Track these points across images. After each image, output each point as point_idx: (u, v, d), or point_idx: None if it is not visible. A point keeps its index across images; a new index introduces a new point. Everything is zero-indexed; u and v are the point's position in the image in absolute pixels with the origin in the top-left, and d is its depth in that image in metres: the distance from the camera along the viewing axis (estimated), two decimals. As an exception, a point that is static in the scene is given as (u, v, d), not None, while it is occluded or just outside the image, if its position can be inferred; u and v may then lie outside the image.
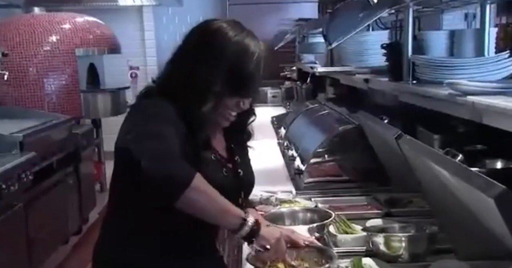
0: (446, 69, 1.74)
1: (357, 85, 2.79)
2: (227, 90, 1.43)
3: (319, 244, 1.60)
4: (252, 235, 1.38)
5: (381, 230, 1.72)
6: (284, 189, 2.43)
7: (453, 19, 2.53)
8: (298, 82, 5.41)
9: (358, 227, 1.86)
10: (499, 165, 1.56)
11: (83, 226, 4.50)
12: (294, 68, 5.79)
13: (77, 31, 4.78)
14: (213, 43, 1.45)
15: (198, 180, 1.29)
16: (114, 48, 5.04)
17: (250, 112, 1.60)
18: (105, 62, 5.03)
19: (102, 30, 5.03)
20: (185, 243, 1.51)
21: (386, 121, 2.13)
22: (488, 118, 1.34)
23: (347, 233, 1.85)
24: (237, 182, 1.56)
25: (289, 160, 2.86)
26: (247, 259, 1.52)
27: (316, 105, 3.62)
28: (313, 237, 1.62)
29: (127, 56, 5.31)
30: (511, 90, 1.44)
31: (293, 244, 1.52)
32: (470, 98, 1.42)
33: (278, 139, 3.63)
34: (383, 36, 2.75)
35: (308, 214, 1.84)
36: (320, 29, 3.11)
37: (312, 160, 2.52)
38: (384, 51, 2.25)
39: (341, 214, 1.93)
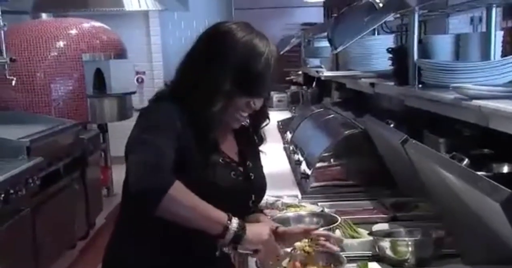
0: (452, 73, 1.73)
1: (362, 89, 2.79)
2: (236, 89, 1.44)
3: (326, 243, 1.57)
4: (237, 241, 1.37)
5: (387, 234, 1.72)
6: (290, 193, 2.43)
7: (458, 23, 2.52)
8: (303, 87, 5.41)
9: (364, 232, 1.86)
10: (505, 169, 1.54)
11: (90, 231, 4.50)
12: (300, 72, 5.79)
13: (83, 36, 4.81)
14: (223, 44, 1.47)
15: (176, 189, 1.30)
16: (120, 53, 5.06)
17: (263, 115, 1.61)
18: (112, 67, 5.04)
19: (109, 35, 5.05)
20: (191, 245, 1.51)
21: (392, 125, 2.13)
22: (494, 122, 1.33)
23: (353, 237, 1.84)
24: (248, 185, 1.56)
25: (295, 165, 2.86)
26: (256, 265, 1.52)
27: (322, 109, 3.62)
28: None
29: (134, 61, 5.32)
30: (517, 94, 1.43)
31: (291, 236, 1.52)
32: (476, 102, 1.42)
33: (284, 144, 3.63)
34: (389, 40, 2.74)
35: (314, 219, 1.84)
36: (326, 33, 3.10)
37: (318, 165, 2.51)
38: (389, 55, 2.24)
39: (347, 218, 1.92)
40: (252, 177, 1.58)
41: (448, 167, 1.30)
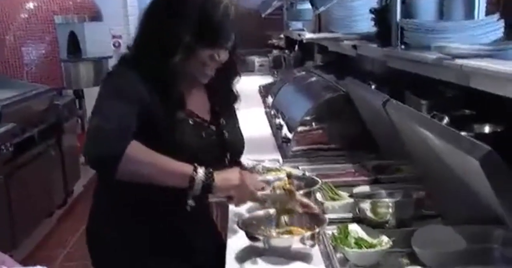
0: (434, 33, 1.73)
1: (345, 51, 2.78)
2: (196, 40, 1.44)
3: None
4: (207, 190, 1.39)
5: (368, 196, 1.74)
6: (271, 157, 2.44)
7: (443, -18, 2.50)
8: (286, 50, 5.38)
9: (345, 194, 1.89)
10: (487, 129, 1.57)
11: (68, 199, 4.50)
12: (282, 36, 5.75)
13: (55, -3, 4.70)
14: None
15: (133, 148, 1.32)
16: (95, 16, 4.97)
17: (232, 71, 1.60)
18: (87, 31, 4.97)
19: (82, -4, 4.95)
20: (161, 206, 1.53)
21: (373, 87, 2.13)
22: (475, 81, 1.34)
23: (334, 200, 1.87)
24: (221, 144, 1.57)
25: (276, 129, 2.87)
26: (238, 225, 1.54)
27: (304, 72, 3.61)
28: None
29: (109, 24, 5.23)
30: (499, 52, 1.44)
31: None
32: (458, 61, 1.43)
33: (265, 108, 3.63)
34: (372, 1, 2.72)
35: (295, 182, 1.86)
36: (308, -5, 3.07)
37: (299, 128, 2.52)
38: (372, 16, 2.23)
39: (328, 181, 1.95)
40: (226, 135, 1.59)
41: (428, 126, 1.32)
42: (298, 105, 2.83)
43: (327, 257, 1.50)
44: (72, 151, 4.59)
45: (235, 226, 1.59)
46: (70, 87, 4.92)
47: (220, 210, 2.15)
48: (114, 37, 6.56)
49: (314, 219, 1.59)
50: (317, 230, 1.51)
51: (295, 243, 1.49)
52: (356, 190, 1.84)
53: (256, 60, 5.85)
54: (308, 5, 4.13)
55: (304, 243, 1.49)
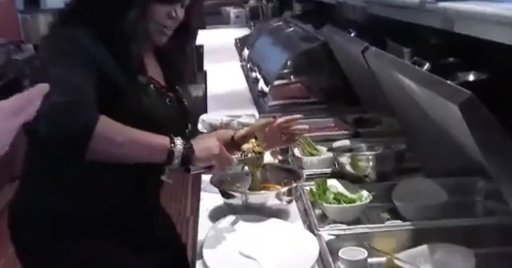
0: (418, -25, 1.71)
1: (324, -2, 2.76)
2: None
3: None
4: (187, 162, 1.31)
5: (347, 150, 1.76)
6: (247, 113, 2.44)
7: None
8: (263, 0, 5.31)
9: (324, 149, 1.90)
10: (471, 77, 1.58)
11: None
12: (259, -16, 5.66)
13: None
14: None
15: (103, 124, 1.20)
16: (54, -38, 4.81)
17: (188, 32, 1.54)
18: (45, -20, 4.81)
19: None
20: (111, 190, 1.43)
21: (353, 35, 2.12)
22: (459, 24, 1.34)
23: (312, 155, 1.89)
24: (183, 112, 1.51)
25: (252, 83, 2.86)
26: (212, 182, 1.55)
27: (281, 23, 3.57)
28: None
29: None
30: (485, -6, 1.43)
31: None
32: (442, 4, 1.42)
33: (241, 61, 3.61)
34: None
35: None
36: None
37: (276, 82, 2.52)
38: (353, -42, 2.20)
39: (307, 136, 1.95)
40: (186, 103, 1.53)
41: (407, 73, 1.32)
42: (275, 57, 2.81)
43: (305, 213, 1.52)
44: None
45: (208, 187, 1.60)
46: (30, 40, 4.80)
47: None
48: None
49: (291, 175, 1.60)
50: (294, 184, 1.53)
51: (271, 199, 1.50)
52: (336, 144, 1.85)
53: (232, 11, 5.77)
54: (286, -50, 4.07)
55: (280, 199, 1.51)
